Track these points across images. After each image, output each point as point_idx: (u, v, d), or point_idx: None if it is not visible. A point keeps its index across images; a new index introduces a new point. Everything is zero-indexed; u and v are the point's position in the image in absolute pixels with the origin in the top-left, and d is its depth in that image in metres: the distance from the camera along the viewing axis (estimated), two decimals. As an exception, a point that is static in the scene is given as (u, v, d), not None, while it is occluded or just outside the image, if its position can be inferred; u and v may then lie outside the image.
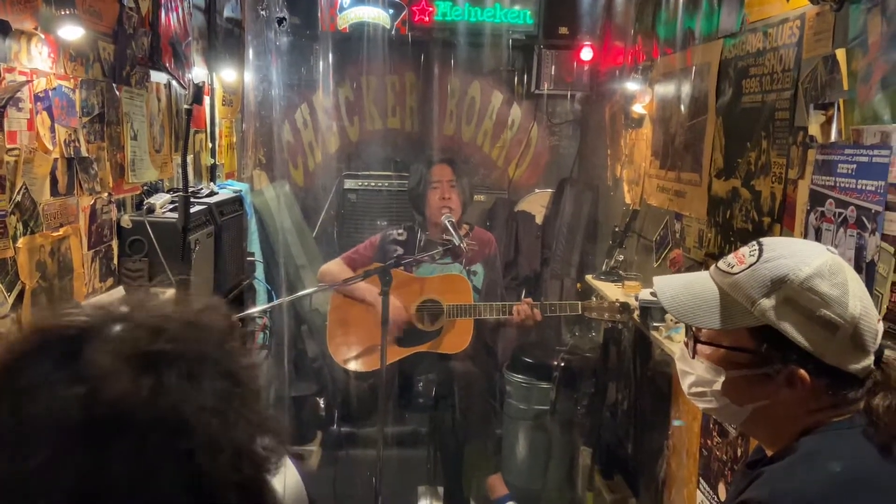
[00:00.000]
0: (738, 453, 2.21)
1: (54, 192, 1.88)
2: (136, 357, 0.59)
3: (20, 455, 0.56)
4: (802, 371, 1.07)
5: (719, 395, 1.15)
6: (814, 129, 1.97)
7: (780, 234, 2.19)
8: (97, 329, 0.61)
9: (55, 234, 1.88)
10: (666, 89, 3.30)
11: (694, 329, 1.18)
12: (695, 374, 1.18)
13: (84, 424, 0.56)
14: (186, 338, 0.62)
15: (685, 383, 1.21)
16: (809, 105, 2.01)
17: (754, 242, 1.14)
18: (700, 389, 1.17)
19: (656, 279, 1.22)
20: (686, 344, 1.21)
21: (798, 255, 1.08)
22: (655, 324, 2.67)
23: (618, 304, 3.02)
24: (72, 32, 1.88)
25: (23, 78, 1.71)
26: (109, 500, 0.56)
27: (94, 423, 0.56)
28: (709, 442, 2.40)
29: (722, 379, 1.13)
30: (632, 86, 3.66)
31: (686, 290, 1.17)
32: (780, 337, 1.07)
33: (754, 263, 1.10)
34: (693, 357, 1.18)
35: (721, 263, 1.16)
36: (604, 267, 3.60)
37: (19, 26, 1.70)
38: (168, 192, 2.62)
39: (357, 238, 4.08)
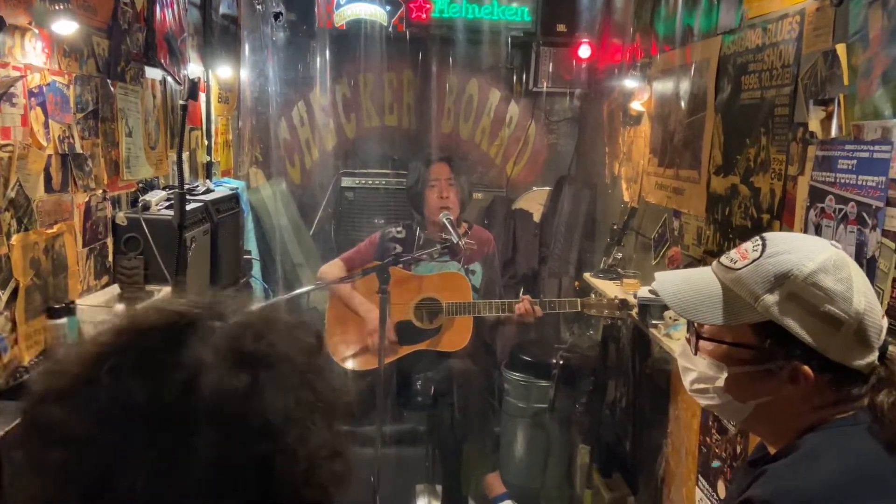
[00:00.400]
0: (738, 450, 2.20)
1: (48, 188, 1.86)
2: (236, 354, 0.62)
3: (114, 426, 0.58)
4: (806, 367, 1.06)
5: (722, 392, 1.13)
6: (814, 125, 1.96)
7: (780, 231, 2.18)
8: (204, 322, 0.64)
9: (49, 231, 1.86)
10: (664, 86, 3.28)
11: (696, 325, 1.16)
12: (697, 370, 1.16)
13: (178, 408, 0.59)
14: (283, 345, 0.65)
15: (687, 380, 1.20)
16: (809, 101, 2.00)
17: (757, 237, 1.13)
18: (702, 386, 1.16)
19: (657, 274, 1.21)
20: (688, 340, 1.20)
21: (802, 251, 1.07)
22: (654, 321, 2.66)
23: (616, 301, 3.02)
24: (66, 27, 1.86)
25: (17, 73, 1.69)
26: (185, 484, 0.58)
27: (189, 408, 0.59)
28: (708, 439, 2.39)
29: (724, 375, 1.12)
30: (630, 83, 3.64)
31: (688, 285, 1.15)
32: (784, 333, 1.06)
33: (757, 259, 1.09)
34: (695, 353, 1.16)
35: (723, 259, 1.15)
36: (602, 265, 3.59)
37: (13, 21, 1.68)
38: (163, 189, 2.61)
39: (354, 236, 4.06)
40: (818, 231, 1.93)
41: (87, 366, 0.60)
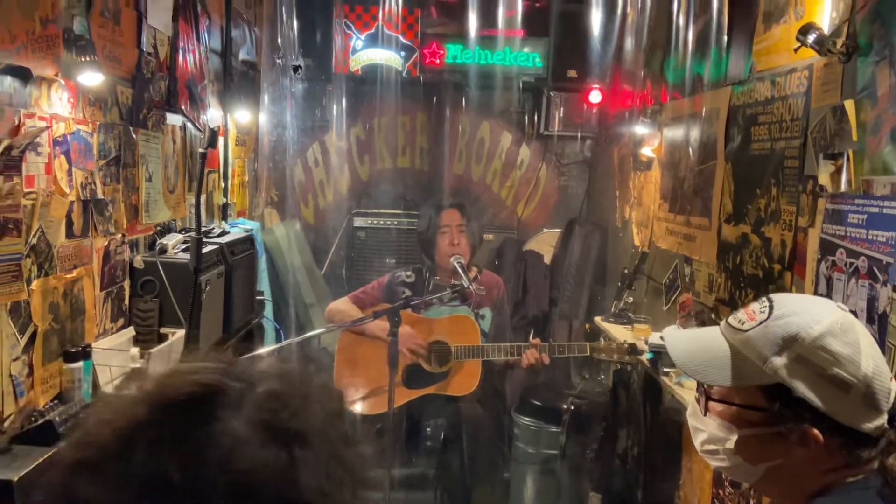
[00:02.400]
0: (751, 504, 2.18)
1: (69, 234, 1.90)
2: (269, 428, 0.61)
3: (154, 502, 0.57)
4: (815, 430, 1.06)
5: (732, 454, 1.13)
6: (823, 179, 1.98)
7: (791, 282, 2.19)
8: (233, 390, 0.63)
9: (69, 275, 1.90)
10: (675, 133, 3.32)
11: (705, 385, 1.17)
12: (707, 431, 1.16)
13: (214, 485, 0.58)
14: (314, 417, 0.64)
15: (697, 440, 1.20)
16: (819, 154, 2.02)
17: (764, 298, 1.14)
18: (712, 447, 1.16)
19: (666, 334, 1.22)
20: (697, 400, 1.20)
21: (809, 313, 1.08)
22: (666, 369, 2.65)
23: (626, 346, 3.01)
24: (92, 78, 1.92)
25: (42, 123, 1.74)
26: None
27: (225, 485, 0.58)
28: (721, 492, 2.37)
29: (734, 437, 1.12)
30: (641, 129, 3.69)
31: (697, 345, 1.16)
32: (793, 396, 1.06)
33: (765, 320, 1.10)
34: (705, 414, 1.17)
35: (731, 319, 1.16)
36: (613, 309, 3.59)
37: (40, 73, 1.74)
38: (180, 231, 2.65)
39: (366, 276, 4.09)
40: (829, 284, 1.94)
41: (120, 440, 0.59)
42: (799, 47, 2.02)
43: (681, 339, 1.19)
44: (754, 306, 1.13)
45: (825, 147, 2.00)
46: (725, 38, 2.73)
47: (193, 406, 0.61)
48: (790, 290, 2.19)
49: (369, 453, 0.69)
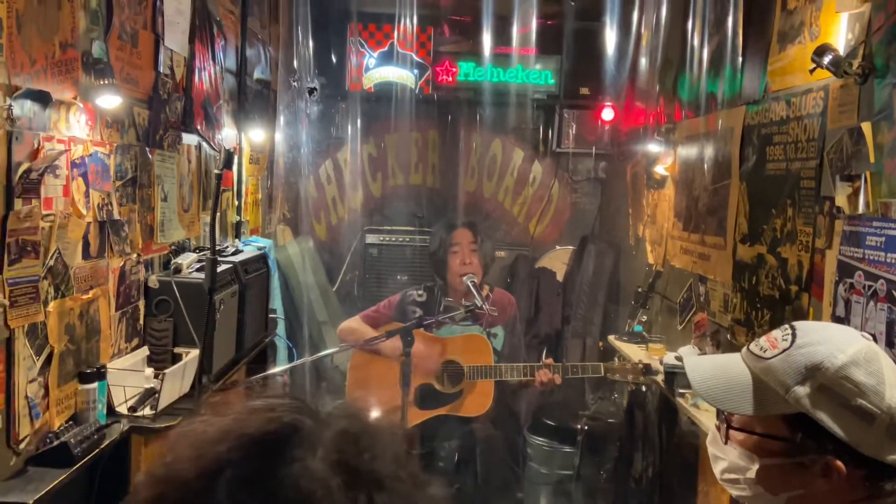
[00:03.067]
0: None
1: (86, 255, 1.91)
2: (346, 470, 0.60)
3: None
4: (838, 462, 1.04)
5: (753, 483, 1.12)
6: (840, 201, 1.96)
7: (809, 304, 2.17)
8: (307, 428, 0.62)
9: (85, 296, 1.91)
10: (689, 152, 3.31)
11: (726, 413, 1.15)
12: (727, 459, 1.15)
13: None
14: (389, 461, 0.63)
15: (717, 469, 1.18)
16: (836, 175, 2.01)
17: (787, 326, 1.12)
18: (733, 476, 1.14)
19: (686, 360, 1.20)
20: (718, 427, 1.19)
21: (832, 342, 1.06)
22: (681, 390, 2.63)
23: (641, 366, 2.98)
24: (110, 101, 1.93)
25: (61, 146, 1.76)
26: None
27: None
28: (737, 515, 2.34)
29: (756, 467, 1.10)
30: (654, 147, 3.68)
31: (717, 373, 1.15)
32: (816, 426, 1.04)
33: (787, 348, 1.08)
34: (725, 442, 1.15)
35: (753, 346, 1.14)
36: (627, 327, 3.57)
37: (60, 96, 1.75)
38: (195, 250, 2.66)
39: (378, 293, 4.09)
40: (847, 307, 1.92)
41: (202, 477, 0.59)
42: (815, 68, 2.01)
43: (701, 366, 1.18)
44: (776, 333, 1.12)
45: (842, 168, 1.99)
46: (740, 58, 2.72)
47: (274, 445, 0.61)
48: (808, 311, 2.17)
49: (441, 495, 0.68)
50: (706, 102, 3.12)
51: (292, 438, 0.61)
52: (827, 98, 2.09)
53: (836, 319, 1.95)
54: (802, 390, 1.05)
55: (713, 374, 1.16)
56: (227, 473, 0.59)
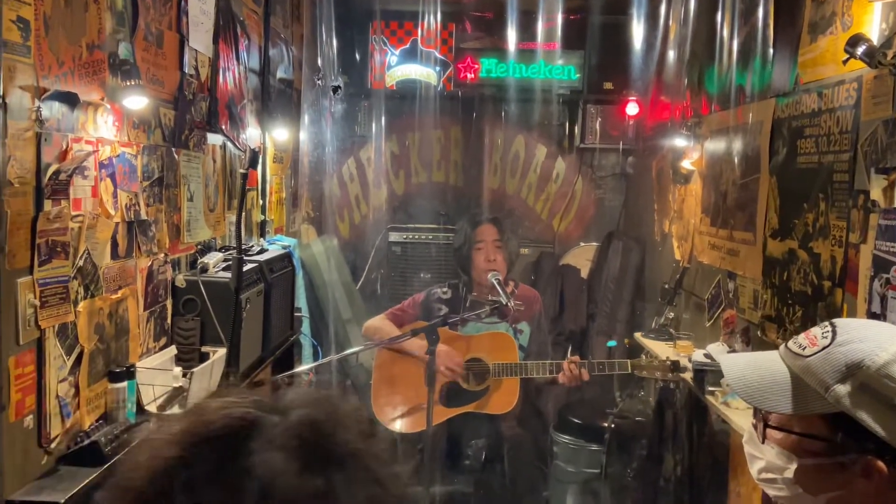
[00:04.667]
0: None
1: (114, 255, 1.92)
2: (305, 455, 0.61)
3: None
4: (880, 462, 1.01)
5: (791, 483, 1.09)
6: (876, 194, 1.92)
7: (843, 299, 2.12)
8: (266, 420, 0.63)
9: (114, 296, 1.92)
10: (716, 146, 3.26)
11: (763, 412, 1.13)
12: (765, 459, 1.12)
13: None
14: (348, 440, 0.64)
15: (754, 468, 1.15)
16: (870, 168, 1.96)
17: (827, 323, 1.09)
18: (770, 476, 1.12)
19: (722, 358, 1.18)
20: (754, 426, 1.16)
21: (874, 339, 1.03)
22: (711, 388, 2.59)
23: (668, 363, 2.94)
24: (136, 102, 1.94)
25: (89, 147, 1.77)
26: None
27: None
28: (770, 515, 2.30)
29: (794, 466, 1.08)
30: (680, 141, 3.63)
31: (755, 370, 1.12)
32: (856, 425, 1.02)
33: (827, 346, 1.05)
34: (762, 441, 1.12)
35: (791, 344, 1.11)
36: (654, 324, 3.53)
37: (87, 98, 1.77)
38: (220, 249, 2.67)
39: (401, 291, 4.08)
40: (883, 302, 1.87)
41: (156, 481, 0.60)
42: (848, 59, 1.97)
43: (738, 364, 1.15)
44: (815, 331, 1.09)
45: (877, 161, 1.94)
46: (770, 49, 2.67)
47: (226, 441, 0.61)
48: (841, 307, 2.13)
49: (405, 472, 0.68)
50: (735, 95, 3.06)
51: (247, 432, 0.62)
52: (860, 89, 2.04)
53: (871, 315, 1.91)
54: (843, 389, 1.02)
55: (750, 371, 1.13)
56: (183, 476, 0.59)
